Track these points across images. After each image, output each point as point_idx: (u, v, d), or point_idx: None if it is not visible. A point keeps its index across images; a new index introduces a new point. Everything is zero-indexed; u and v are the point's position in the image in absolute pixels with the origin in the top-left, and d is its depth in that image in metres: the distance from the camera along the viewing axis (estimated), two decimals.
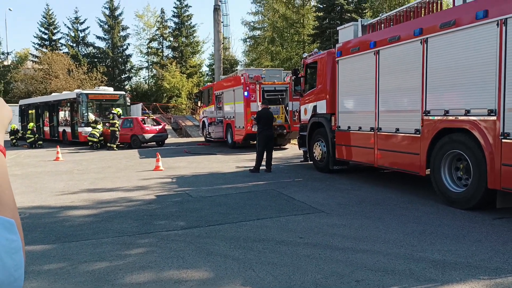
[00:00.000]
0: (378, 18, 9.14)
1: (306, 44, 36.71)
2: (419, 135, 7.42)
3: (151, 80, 48.17)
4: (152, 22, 46.71)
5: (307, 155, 12.13)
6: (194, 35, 47.24)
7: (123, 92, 25.91)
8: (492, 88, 5.92)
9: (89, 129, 21.41)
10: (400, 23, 8.36)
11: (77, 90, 24.41)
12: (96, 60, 45.46)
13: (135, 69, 48.71)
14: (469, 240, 5.06)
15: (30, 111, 28.84)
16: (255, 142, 15.35)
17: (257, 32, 43.31)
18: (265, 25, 42.21)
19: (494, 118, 5.92)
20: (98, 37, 46.42)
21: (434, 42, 7.03)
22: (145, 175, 11.10)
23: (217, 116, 19.82)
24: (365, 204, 7.15)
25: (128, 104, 24.87)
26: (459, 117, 6.57)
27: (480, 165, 6.18)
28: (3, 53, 46.49)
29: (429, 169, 7.28)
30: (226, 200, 7.75)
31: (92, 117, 22.05)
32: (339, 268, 4.24)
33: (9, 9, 58.19)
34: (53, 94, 28.80)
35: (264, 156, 11.23)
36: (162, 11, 46.91)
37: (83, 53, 46.37)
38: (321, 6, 34.05)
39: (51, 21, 46.55)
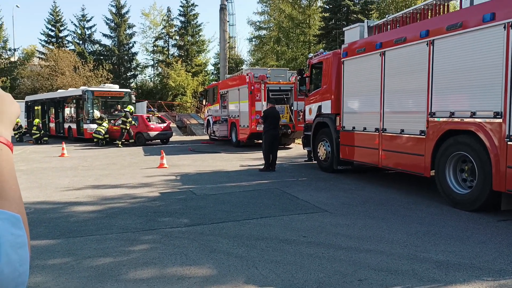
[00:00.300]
0: (385, 19, 9.12)
1: (312, 44, 36.65)
2: (424, 137, 7.40)
3: (156, 78, 48.34)
4: (158, 20, 46.85)
5: (311, 155, 12.13)
6: (200, 34, 47.29)
7: (128, 90, 26.02)
8: (498, 91, 5.91)
9: (94, 125, 21.53)
10: (407, 24, 8.35)
11: (83, 87, 24.55)
12: (102, 57, 45.59)
13: (141, 67, 48.91)
14: (473, 241, 5.05)
15: (36, 107, 28.98)
16: (259, 141, 15.40)
17: (263, 32, 43.35)
18: (271, 25, 42.18)
19: (500, 120, 5.90)
20: (105, 35, 46.72)
21: (440, 44, 7.01)
22: (149, 172, 11.14)
23: (222, 115, 19.86)
24: (369, 204, 7.14)
25: (133, 101, 24.94)
26: (464, 119, 6.55)
27: (485, 167, 6.16)
28: (10, 50, 46.74)
29: (433, 170, 7.26)
30: (229, 198, 7.77)
31: (97, 114, 22.15)
32: (342, 267, 4.24)
33: (17, 6, 58.32)
34: (59, 90, 28.91)
35: None
36: (169, 10, 47.22)
37: (89, 51, 46.58)
38: (327, 6, 34.06)
39: (58, 18, 46.76)
